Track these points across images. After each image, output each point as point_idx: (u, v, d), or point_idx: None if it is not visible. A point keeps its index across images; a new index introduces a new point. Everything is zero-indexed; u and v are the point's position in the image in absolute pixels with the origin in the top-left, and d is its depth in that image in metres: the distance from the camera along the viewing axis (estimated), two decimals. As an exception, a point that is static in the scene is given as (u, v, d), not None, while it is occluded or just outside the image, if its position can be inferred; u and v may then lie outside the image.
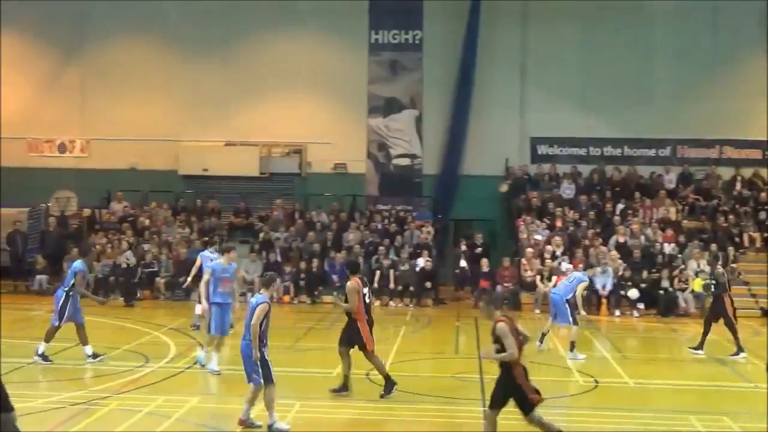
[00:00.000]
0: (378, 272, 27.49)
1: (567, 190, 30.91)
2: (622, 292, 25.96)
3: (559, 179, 31.35)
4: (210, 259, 19.47)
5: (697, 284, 25.31)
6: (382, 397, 14.19)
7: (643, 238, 28.25)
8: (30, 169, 32.05)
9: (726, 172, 31.26)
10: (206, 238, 26.72)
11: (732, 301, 19.16)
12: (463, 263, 28.10)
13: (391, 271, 27.52)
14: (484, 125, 31.55)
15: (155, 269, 27.81)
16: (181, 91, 32.61)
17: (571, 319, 18.45)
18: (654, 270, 26.70)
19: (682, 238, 28.12)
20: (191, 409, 13.53)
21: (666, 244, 27.97)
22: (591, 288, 25.69)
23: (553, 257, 27.09)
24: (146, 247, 28.49)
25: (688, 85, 31.27)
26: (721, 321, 19.00)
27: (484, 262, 27.79)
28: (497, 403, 10.96)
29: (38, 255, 28.46)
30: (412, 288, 27.25)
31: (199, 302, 19.91)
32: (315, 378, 14.74)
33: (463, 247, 28.72)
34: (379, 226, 29.99)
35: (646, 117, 31.34)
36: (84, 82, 33.03)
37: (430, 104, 32.18)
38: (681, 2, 31.26)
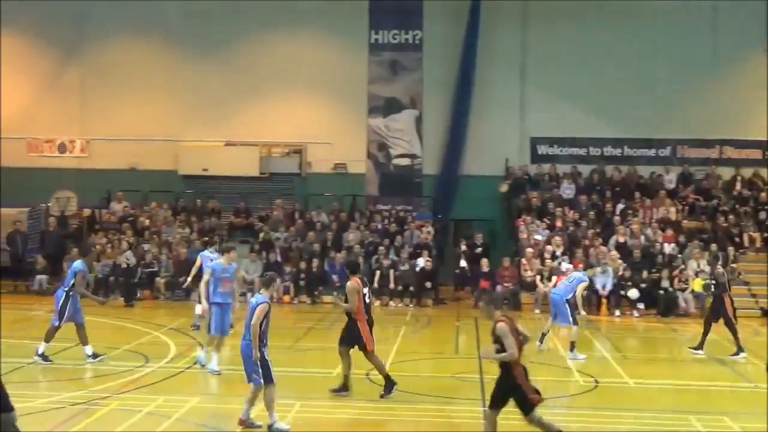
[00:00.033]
0: (378, 272, 27.50)
1: (567, 190, 30.92)
2: (622, 292, 25.96)
3: (559, 179, 31.35)
4: (210, 259, 19.47)
5: (697, 284, 25.31)
6: (382, 397, 14.19)
7: (643, 238, 28.26)
8: (30, 169, 32.05)
9: (726, 172, 31.28)
10: (206, 238, 26.71)
11: (732, 301, 19.16)
12: (463, 263, 28.10)
13: (391, 271, 27.52)
14: (484, 125, 31.56)
15: (155, 269, 27.81)
16: (181, 91, 32.61)
17: (571, 319, 18.45)
18: (654, 270, 26.70)
19: (682, 238, 28.13)
20: (191, 409, 13.53)
21: (666, 244, 27.97)
22: (591, 288, 25.72)
23: (553, 257, 27.09)
24: (146, 247, 28.50)
25: (688, 85, 31.27)
26: (722, 321, 19.00)
27: (484, 262, 27.80)
28: (497, 403, 10.95)
29: (38, 255, 28.47)
30: (412, 288, 27.25)
31: (199, 302, 19.94)
32: (315, 378, 14.74)
33: (463, 247, 28.72)
34: (379, 226, 30.00)
35: (646, 117, 31.35)
36: (84, 82, 33.04)
37: (430, 104, 32.18)
38: (681, 2, 31.27)
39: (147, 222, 30.19)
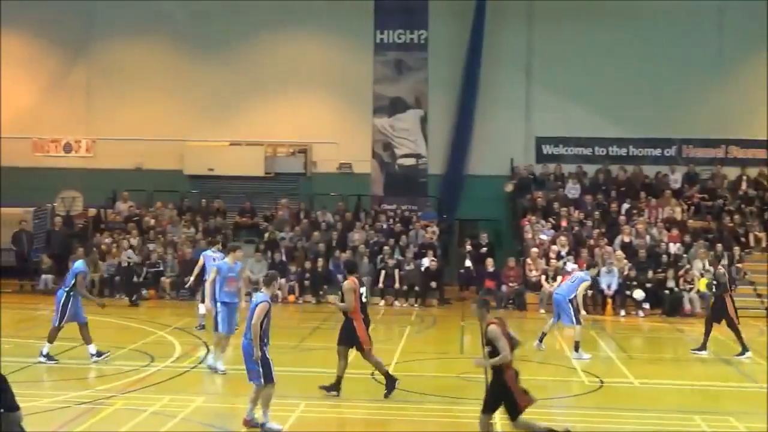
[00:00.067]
0: (383, 272, 27.51)
1: (572, 189, 30.89)
2: (628, 293, 25.92)
3: (565, 179, 31.33)
4: (213, 258, 19.51)
5: (702, 284, 25.23)
6: (386, 396, 14.19)
7: (648, 237, 28.22)
8: (36, 169, 32.11)
9: (731, 172, 31.22)
10: (211, 238, 26.73)
11: (733, 301, 19.12)
12: (468, 263, 28.09)
13: (396, 271, 27.52)
14: (490, 125, 31.53)
15: (160, 269, 27.85)
16: (187, 91, 32.64)
17: (574, 319, 18.43)
18: (659, 270, 26.66)
19: (687, 238, 28.08)
20: (197, 408, 13.55)
21: (671, 244, 27.93)
22: (596, 288, 25.74)
23: (558, 257, 27.07)
24: (151, 246, 28.54)
25: (693, 84, 31.22)
26: (724, 322, 18.96)
27: (489, 261, 27.77)
28: (489, 407, 10.83)
29: (44, 255, 28.51)
30: (417, 288, 27.24)
31: (202, 302, 19.98)
32: (320, 377, 14.74)
33: (468, 247, 28.70)
34: (384, 226, 30.00)
35: (652, 116, 31.31)
36: (90, 82, 33.09)
37: (436, 104, 32.18)
38: (687, 2, 31.19)
39: (152, 222, 30.21)
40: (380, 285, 27.42)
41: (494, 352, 10.63)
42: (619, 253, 27.06)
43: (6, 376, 7.38)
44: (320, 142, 32.37)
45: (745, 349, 18.64)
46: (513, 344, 10.77)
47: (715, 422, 13.23)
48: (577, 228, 28.93)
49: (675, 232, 28.33)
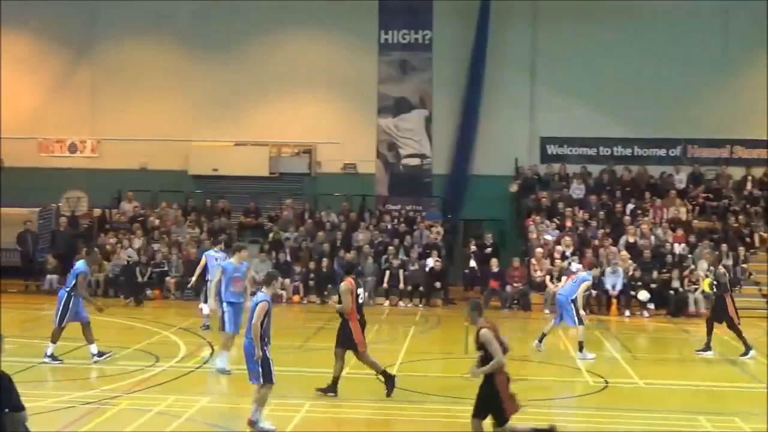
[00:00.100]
0: (387, 272, 27.52)
1: (577, 190, 30.87)
2: (633, 293, 25.89)
3: (569, 179, 31.31)
4: (215, 258, 19.59)
5: (706, 284, 25.19)
6: (387, 395, 14.17)
7: (653, 238, 28.19)
8: (41, 169, 32.18)
9: (737, 172, 31.18)
10: (214, 238, 26.78)
11: (734, 301, 19.07)
12: (472, 263, 28.08)
13: (401, 271, 27.52)
14: (494, 125, 31.53)
15: (165, 269, 27.87)
16: (191, 91, 32.67)
17: (576, 319, 18.41)
18: (664, 270, 26.63)
19: (692, 238, 28.04)
20: (201, 408, 13.55)
21: (676, 244, 27.90)
22: (601, 288, 25.72)
23: (563, 257, 27.06)
24: (156, 247, 28.57)
25: (698, 84, 31.17)
26: (725, 323, 18.94)
27: (494, 262, 27.76)
28: (480, 412, 10.65)
29: (49, 255, 28.54)
30: (421, 288, 27.24)
31: (205, 302, 20.01)
32: (324, 378, 14.71)
33: (473, 247, 28.69)
34: (389, 226, 30.00)
35: (657, 116, 31.28)
36: (94, 82, 33.14)
37: (440, 104, 32.18)
38: (691, 2, 31.16)
39: (157, 222, 30.26)
40: (385, 285, 27.44)
41: (486, 357, 10.48)
42: (624, 253, 27.03)
43: (11, 376, 7.39)
44: (325, 143, 32.38)
45: (748, 349, 18.61)
46: (504, 349, 10.62)
47: (720, 423, 13.21)
48: (581, 228, 28.91)
49: (680, 232, 28.31)
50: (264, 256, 28.02)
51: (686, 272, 26.30)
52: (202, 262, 20.18)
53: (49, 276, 27.73)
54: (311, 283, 27.57)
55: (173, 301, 27.06)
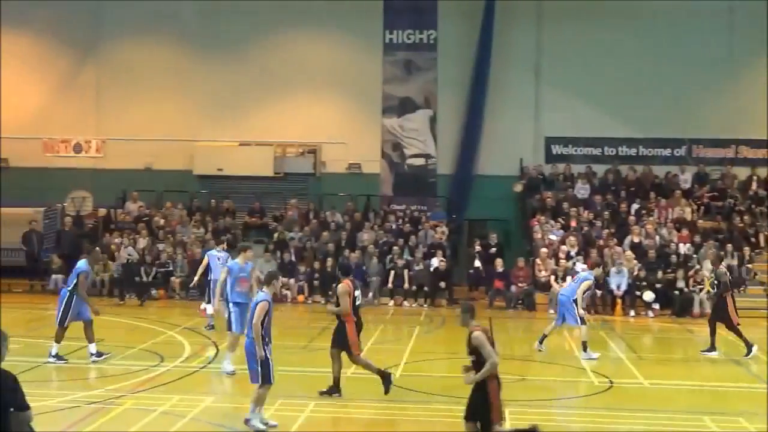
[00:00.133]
0: (392, 272, 27.51)
1: (582, 190, 30.84)
2: (638, 293, 25.86)
3: (574, 179, 31.28)
4: (217, 257, 19.64)
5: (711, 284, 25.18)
6: (386, 393, 14.15)
7: (658, 238, 28.15)
8: (46, 169, 32.21)
9: (742, 172, 31.12)
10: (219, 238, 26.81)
11: (734, 301, 19.05)
12: (477, 263, 28.07)
13: (406, 271, 27.51)
14: (499, 125, 31.51)
15: (170, 269, 27.90)
16: (196, 91, 32.70)
17: (578, 319, 18.39)
18: (669, 270, 26.60)
19: (697, 238, 28.00)
20: (206, 408, 13.57)
21: (681, 245, 27.86)
22: (606, 288, 25.70)
23: (568, 257, 27.03)
24: (161, 246, 28.60)
25: (704, 84, 31.12)
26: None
27: (499, 262, 27.72)
28: (471, 415, 10.41)
29: (54, 255, 28.57)
30: (426, 288, 27.23)
31: (208, 302, 20.04)
32: (329, 378, 14.72)
33: (478, 247, 28.67)
34: (394, 226, 29.99)
35: (662, 116, 31.24)
36: (99, 82, 33.17)
37: (445, 104, 32.16)
38: (696, 2, 31.11)
39: (162, 222, 30.26)
40: (389, 285, 27.43)
41: (478, 361, 10.27)
42: (629, 253, 27.00)
43: (16, 375, 7.40)
44: (329, 143, 32.39)
45: (749, 347, 18.57)
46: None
47: (724, 423, 13.20)
48: (586, 228, 28.88)
49: (685, 232, 28.26)
50: (269, 256, 28.01)
51: (691, 272, 26.26)
52: (204, 262, 20.25)
53: (54, 276, 27.74)
54: (316, 283, 27.56)
55: (178, 301, 27.06)
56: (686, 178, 30.93)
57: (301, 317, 24.75)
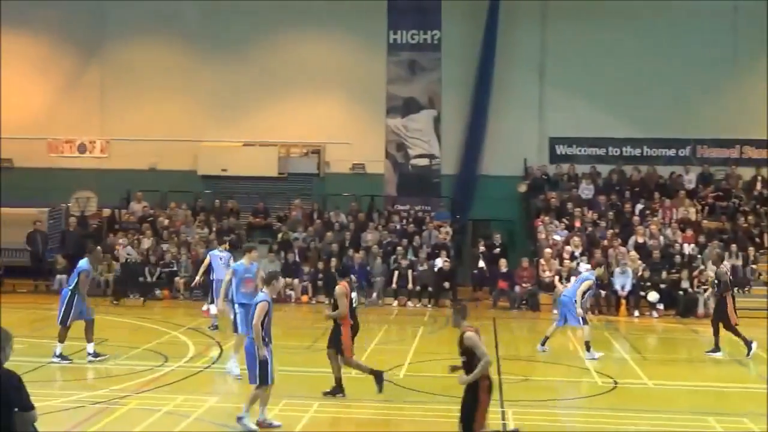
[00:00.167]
0: (396, 272, 27.51)
1: (586, 190, 30.81)
2: (642, 294, 25.84)
3: (578, 179, 31.26)
4: (219, 258, 19.66)
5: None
6: (379, 391, 14.14)
7: (662, 238, 28.12)
8: (50, 170, 32.25)
9: (746, 172, 31.06)
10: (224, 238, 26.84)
11: (734, 301, 19.02)
12: (481, 263, 28.05)
13: (410, 272, 27.51)
14: (503, 125, 31.48)
15: (174, 269, 27.93)
16: (201, 92, 32.72)
17: (580, 319, 18.37)
18: (673, 270, 26.56)
19: (702, 239, 27.96)
20: (210, 408, 13.58)
21: (686, 245, 27.83)
22: (610, 288, 25.69)
23: (572, 258, 27.01)
24: (165, 247, 28.63)
25: (708, 84, 31.07)
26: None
27: (503, 262, 27.72)
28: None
29: (58, 255, 28.60)
30: (430, 288, 27.22)
31: (211, 302, 20.05)
32: (333, 379, 14.72)
33: (482, 248, 28.67)
34: (398, 227, 29.99)
35: (666, 117, 31.20)
36: (104, 82, 33.19)
37: (449, 104, 32.14)
38: (700, 2, 31.06)
39: (166, 222, 30.31)
40: (393, 285, 27.43)
41: (469, 362, 10.21)
42: (633, 253, 26.98)
43: (21, 375, 7.41)
44: (333, 143, 32.39)
45: (749, 345, 18.52)
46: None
47: (729, 423, 13.18)
48: (590, 228, 28.86)
49: (689, 232, 28.24)
50: (273, 257, 28.02)
51: (695, 273, 26.22)
52: (206, 262, 20.27)
53: (58, 276, 27.71)
54: (320, 283, 27.54)
55: (182, 301, 27.08)
56: (690, 179, 30.89)
57: (305, 317, 24.74)
